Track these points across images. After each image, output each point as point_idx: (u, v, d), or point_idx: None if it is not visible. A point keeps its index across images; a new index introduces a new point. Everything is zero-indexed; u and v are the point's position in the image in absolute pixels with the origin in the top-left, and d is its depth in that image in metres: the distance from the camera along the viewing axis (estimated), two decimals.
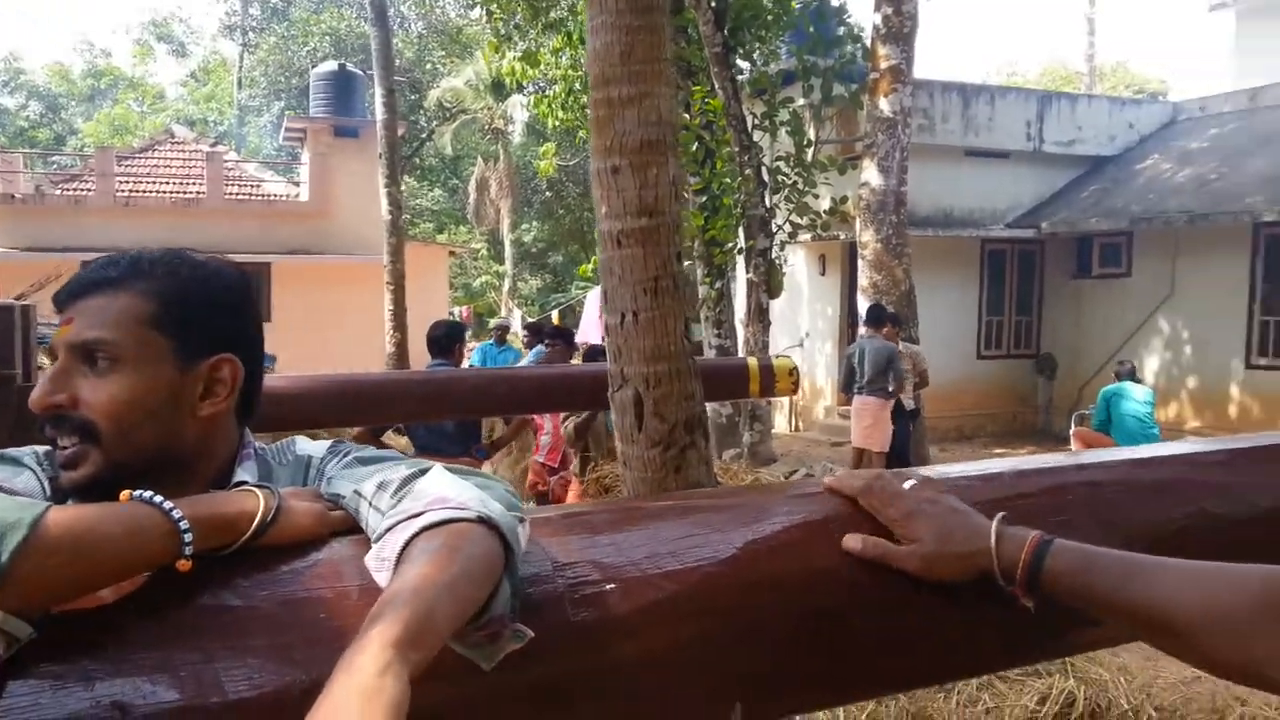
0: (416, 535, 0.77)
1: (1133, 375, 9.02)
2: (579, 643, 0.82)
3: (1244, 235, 12.07)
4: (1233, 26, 16.51)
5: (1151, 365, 13.17)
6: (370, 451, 0.98)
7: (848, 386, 8.42)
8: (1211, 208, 12.02)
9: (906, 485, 0.97)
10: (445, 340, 4.93)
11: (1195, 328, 12.86)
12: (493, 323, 15.54)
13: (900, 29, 8.71)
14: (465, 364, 13.67)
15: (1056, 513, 1.06)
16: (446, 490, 0.82)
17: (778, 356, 4.99)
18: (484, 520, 0.79)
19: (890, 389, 8.10)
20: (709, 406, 11.74)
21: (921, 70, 11.67)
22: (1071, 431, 9.91)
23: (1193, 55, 55.74)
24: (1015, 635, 1.06)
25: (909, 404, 8.69)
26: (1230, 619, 0.79)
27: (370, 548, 0.81)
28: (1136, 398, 8.65)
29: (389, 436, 5.27)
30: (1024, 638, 1.08)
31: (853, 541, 0.94)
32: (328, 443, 1.03)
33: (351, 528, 0.89)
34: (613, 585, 0.85)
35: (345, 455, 0.98)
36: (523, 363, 10.75)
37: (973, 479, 1.10)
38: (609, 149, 3.06)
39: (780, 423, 15.14)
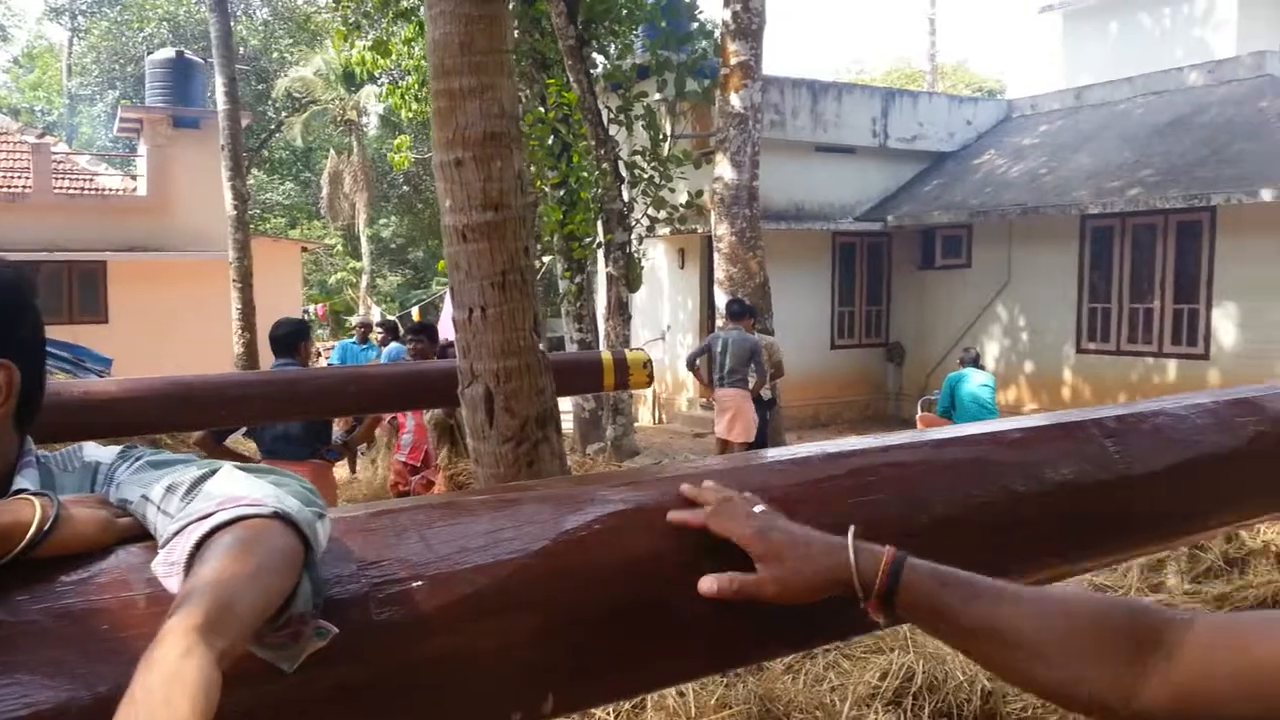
0: (209, 535, 0.74)
1: (976, 361, 9.47)
2: (383, 641, 0.81)
3: (1073, 227, 12.85)
4: (1060, 28, 17.53)
5: (992, 351, 13.88)
6: (164, 455, 0.93)
7: (705, 375, 8.55)
8: (1042, 201, 12.75)
9: (756, 509, 0.96)
10: (289, 339, 4.75)
11: (1031, 315, 13.62)
12: (354, 320, 15.13)
13: (749, 25, 8.90)
14: (324, 363, 13.32)
15: (863, 493, 1.10)
16: (238, 489, 0.79)
17: (632, 350, 5.06)
18: (280, 516, 0.76)
19: (751, 381, 8.30)
20: (571, 401, 11.74)
21: (773, 67, 11.97)
22: (917, 416, 10.37)
23: (1027, 55, 58.97)
24: (839, 609, 1.11)
25: (765, 394, 8.90)
26: (1063, 646, 0.81)
27: (159, 553, 0.78)
28: (977, 382, 9.08)
29: (237, 441, 5.05)
30: (846, 611, 1.13)
31: (708, 584, 0.92)
32: (118, 448, 0.98)
33: (140, 535, 0.84)
34: (419, 582, 0.83)
35: (136, 460, 0.93)
36: (380, 361, 10.52)
37: (785, 463, 1.13)
38: (451, 142, 3.02)
39: (644, 415, 15.28)
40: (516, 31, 10.35)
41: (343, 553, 0.84)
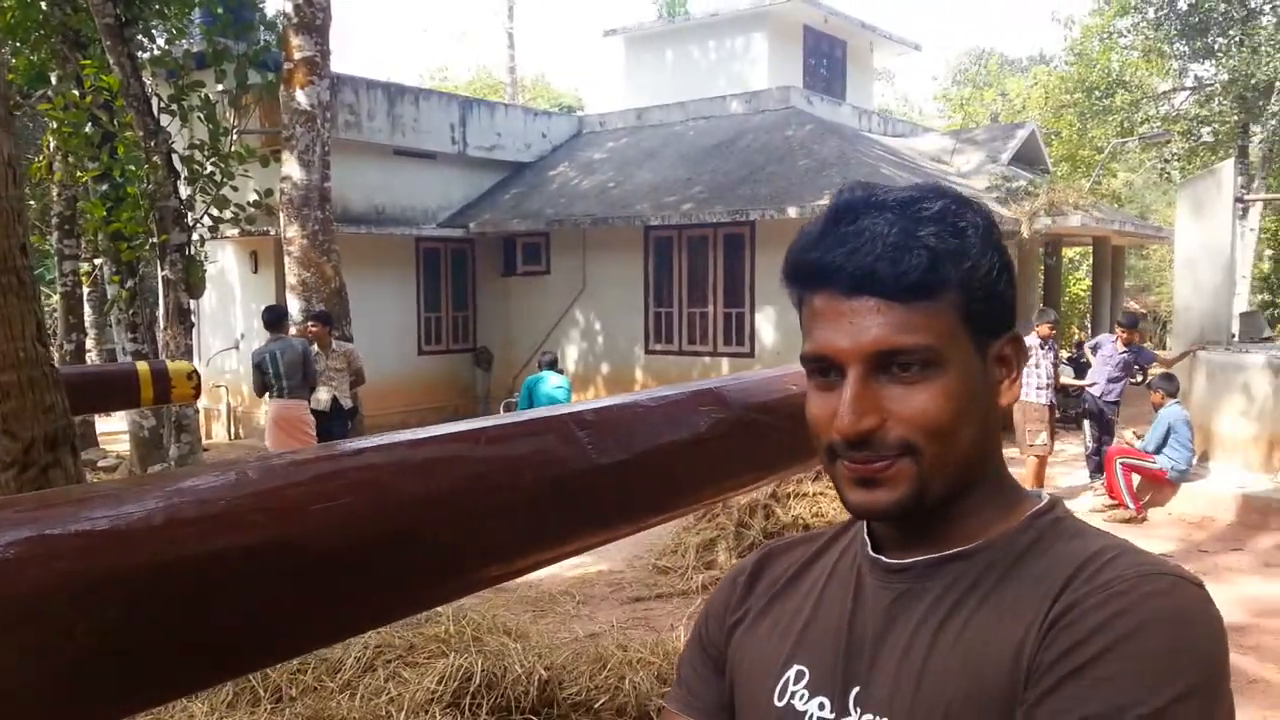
0: None
1: (554, 364, 9.87)
2: None
3: (638, 237, 13.87)
4: (623, 51, 18.84)
5: (571, 354, 14.59)
6: None
7: (262, 391, 8.11)
8: (610, 212, 13.63)
9: None
10: None
11: (605, 319, 14.49)
12: None
13: (313, 20, 8.55)
14: None
15: (330, 498, 1.07)
16: None
17: (174, 360, 4.63)
18: None
19: (310, 388, 8.03)
20: (128, 418, 10.58)
21: (353, 67, 11.61)
22: None
23: (598, 74, 62.80)
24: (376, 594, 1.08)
25: (346, 402, 8.63)
26: None
27: None
28: (553, 384, 9.48)
29: None
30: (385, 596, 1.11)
31: None
32: None
33: None
34: None
35: None
36: None
37: (249, 467, 1.07)
38: None
39: (219, 431, 14.18)
40: (44, 4, 9.12)
41: None
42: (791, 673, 0.86)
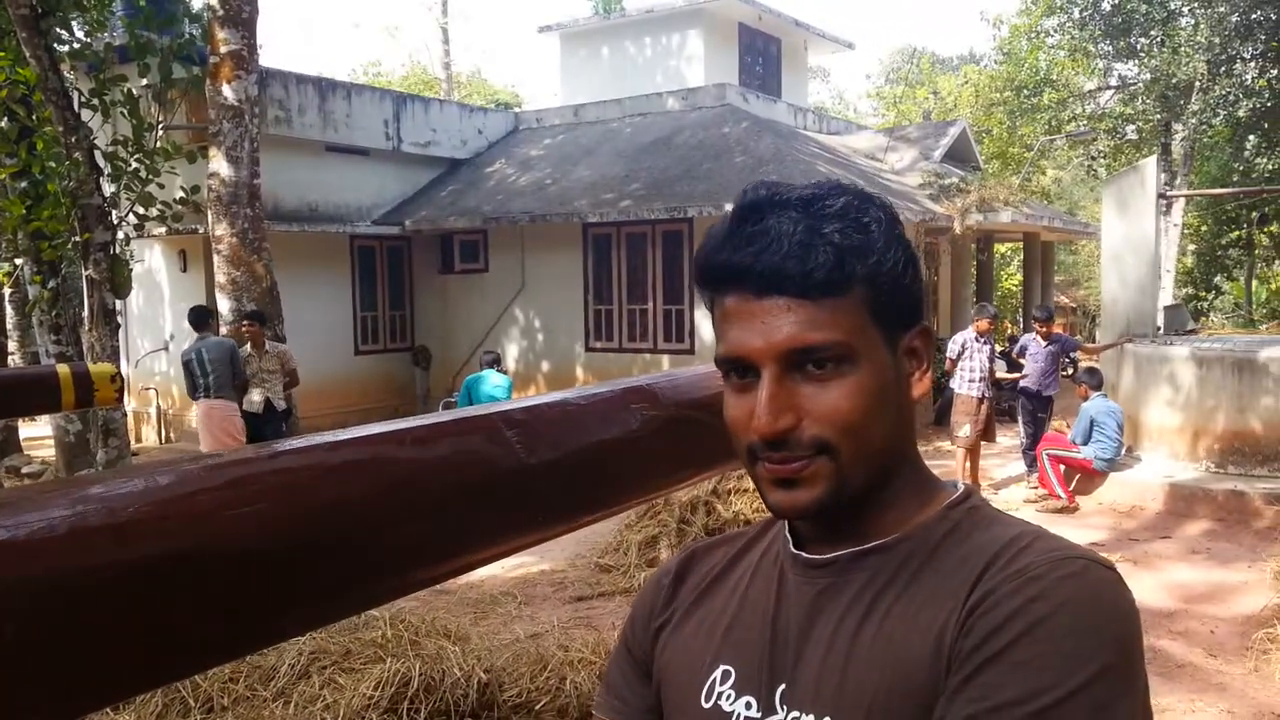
0: None
1: (496, 363, 9.80)
2: None
3: (576, 234, 13.83)
4: (559, 48, 18.76)
5: (512, 352, 14.49)
6: None
7: (194, 392, 7.97)
8: (548, 209, 13.56)
9: None
10: None
11: (545, 316, 14.43)
12: None
13: (239, 13, 8.37)
14: None
15: (243, 504, 1.03)
16: None
17: (97, 363, 4.49)
18: None
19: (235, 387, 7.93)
20: (52, 422, 10.29)
21: (283, 61, 11.39)
22: None
23: (534, 70, 62.53)
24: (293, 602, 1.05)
25: (280, 404, 8.48)
26: None
27: None
28: (494, 383, 9.40)
29: None
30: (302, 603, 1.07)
31: None
32: None
33: None
34: None
35: None
36: None
37: (159, 473, 1.03)
38: None
39: (149, 434, 13.83)
40: None
41: None
42: (718, 673, 0.85)
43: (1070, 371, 11.44)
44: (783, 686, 0.80)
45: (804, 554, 0.85)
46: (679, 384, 1.67)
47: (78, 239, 8.88)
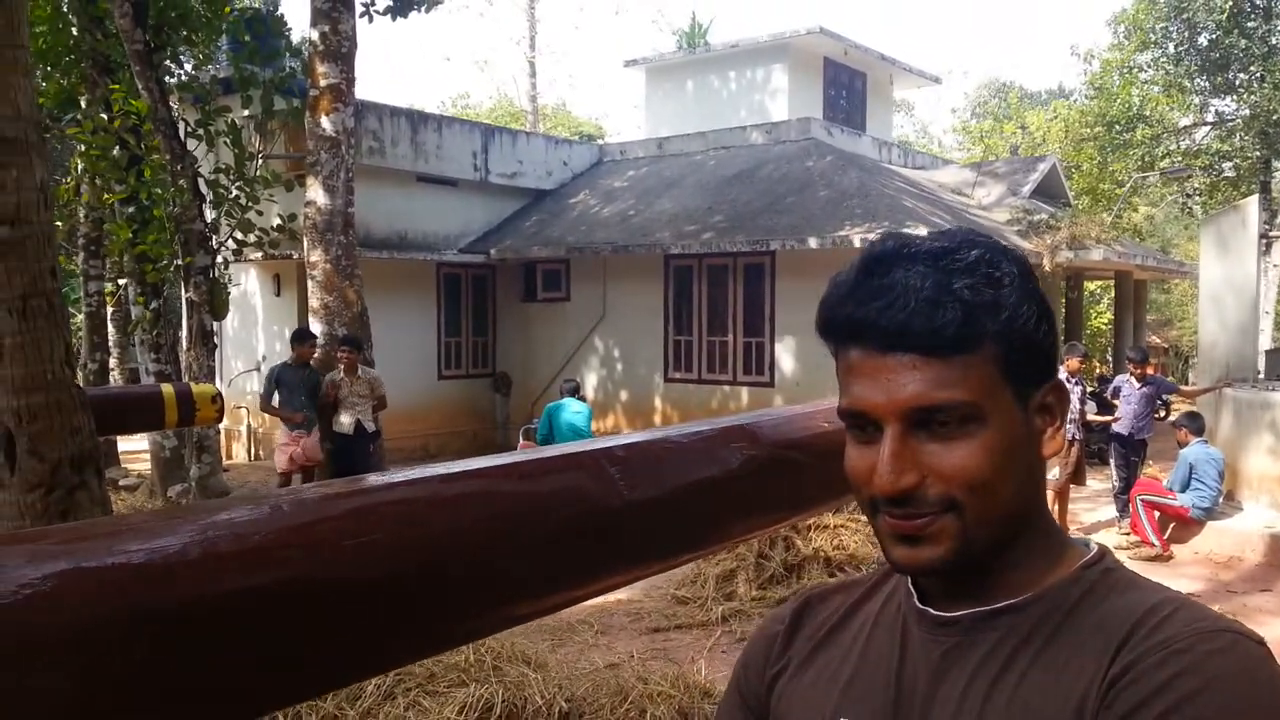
0: None
1: (575, 391, 9.87)
2: None
3: (658, 265, 13.90)
4: (644, 82, 18.97)
5: (591, 380, 14.58)
6: None
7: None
8: (630, 240, 13.66)
9: None
10: None
11: (624, 346, 14.50)
12: None
13: (338, 48, 8.66)
14: None
15: (363, 533, 1.06)
16: None
17: (199, 383, 4.67)
18: None
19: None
20: (149, 438, 10.64)
21: (374, 93, 11.76)
22: (519, 445, 10.62)
23: (620, 104, 63.41)
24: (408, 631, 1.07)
25: (370, 426, 8.67)
26: None
27: None
28: (573, 410, 9.48)
29: None
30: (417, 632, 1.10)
31: None
32: None
33: None
34: None
35: None
36: None
37: (282, 501, 1.06)
38: None
39: (239, 452, 14.24)
40: (75, 30, 9.27)
41: None
42: None
43: (1163, 415, 11.07)
44: None
45: (930, 610, 0.84)
46: (778, 424, 1.67)
47: (179, 263, 9.27)
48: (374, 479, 1.17)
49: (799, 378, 12.71)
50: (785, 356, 12.99)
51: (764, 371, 13.19)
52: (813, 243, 11.69)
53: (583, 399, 10.08)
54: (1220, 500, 8.08)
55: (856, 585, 0.96)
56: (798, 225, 12.38)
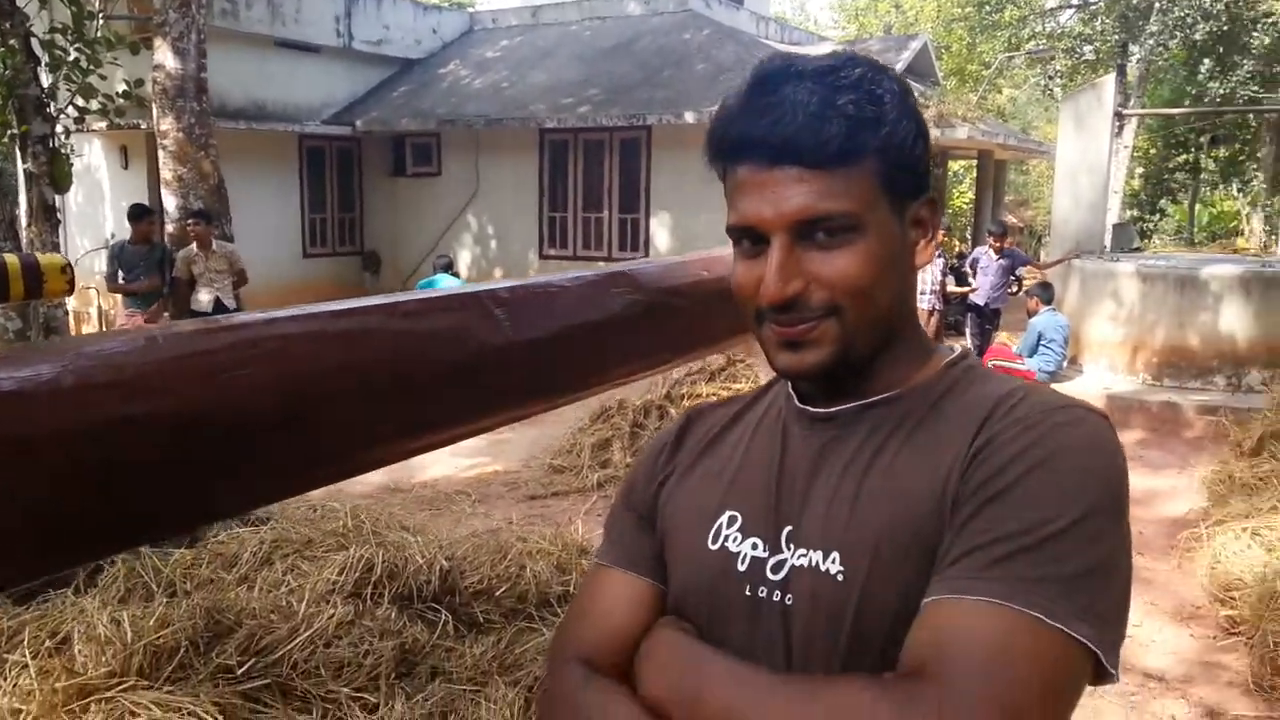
0: None
1: (449, 267, 9.71)
2: None
3: (532, 140, 13.60)
4: None
5: (464, 258, 14.35)
6: None
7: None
8: (504, 113, 13.30)
9: None
10: None
11: (498, 223, 14.26)
12: None
13: None
14: None
15: (240, 366, 1.04)
16: None
17: (47, 254, 4.36)
18: None
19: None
20: None
21: None
22: None
23: None
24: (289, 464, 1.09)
25: (230, 304, 8.36)
26: None
27: None
28: (444, 288, 9.33)
29: None
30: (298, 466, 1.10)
31: None
32: None
33: None
34: None
35: None
36: None
37: (158, 334, 1.03)
38: None
39: (90, 333, 13.55)
40: None
41: None
42: (724, 518, 0.89)
43: (1016, 290, 11.67)
44: (789, 528, 0.85)
45: (809, 408, 0.89)
46: (659, 271, 1.70)
47: (14, 131, 8.55)
48: (255, 314, 1.14)
49: (673, 253, 12.78)
50: (660, 232, 13.03)
51: (639, 248, 13.21)
52: (689, 117, 11.62)
53: (456, 275, 9.94)
54: (1064, 364, 8.63)
55: (738, 399, 1.01)
56: (674, 99, 12.27)
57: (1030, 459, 0.76)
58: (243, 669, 2.41)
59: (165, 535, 1.23)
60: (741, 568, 0.86)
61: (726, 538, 0.88)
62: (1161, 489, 6.09)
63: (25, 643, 2.27)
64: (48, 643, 2.33)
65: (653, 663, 0.86)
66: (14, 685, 2.10)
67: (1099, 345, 8.81)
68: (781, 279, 0.81)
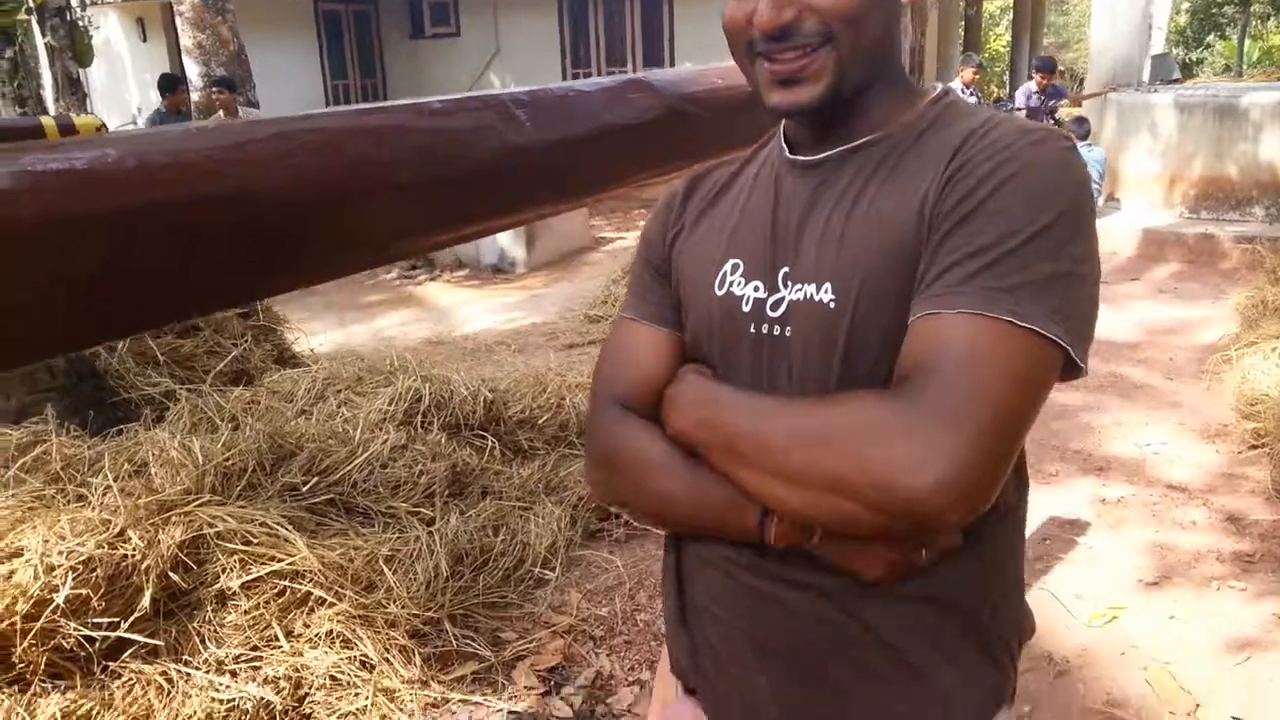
0: None
1: None
2: None
3: None
4: None
5: None
6: None
7: None
8: None
9: None
10: None
11: (521, 83, 13.94)
12: None
13: None
14: None
15: (286, 156, 1.13)
16: None
17: (83, 115, 4.43)
18: None
19: None
20: None
21: None
22: None
23: None
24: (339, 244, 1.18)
25: None
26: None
27: None
28: None
29: None
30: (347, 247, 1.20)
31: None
32: None
33: None
34: None
35: None
36: None
37: (201, 127, 1.12)
38: None
39: None
40: None
41: None
42: (728, 266, 0.98)
43: (1054, 122, 11.41)
44: (785, 268, 0.93)
45: (799, 157, 0.96)
46: (675, 79, 1.75)
47: (31, 4, 8.49)
48: (291, 115, 1.22)
49: None
50: None
51: None
52: None
53: None
54: (1101, 200, 8.52)
55: (735, 159, 1.09)
56: None
57: (998, 177, 0.82)
58: (307, 487, 2.61)
59: (226, 307, 1.35)
60: (745, 309, 0.95)
61: (731, 283, 0.97)
62: (1194, 319, 6.11)
63: (106, 468, 2.47)
64: (126, 467, 2.53)
65: (678, 402, 0.97)
66: (100, 503, 2.30)
67: (1135, 180, 8.67)
68: (775, 6, 0.85)
